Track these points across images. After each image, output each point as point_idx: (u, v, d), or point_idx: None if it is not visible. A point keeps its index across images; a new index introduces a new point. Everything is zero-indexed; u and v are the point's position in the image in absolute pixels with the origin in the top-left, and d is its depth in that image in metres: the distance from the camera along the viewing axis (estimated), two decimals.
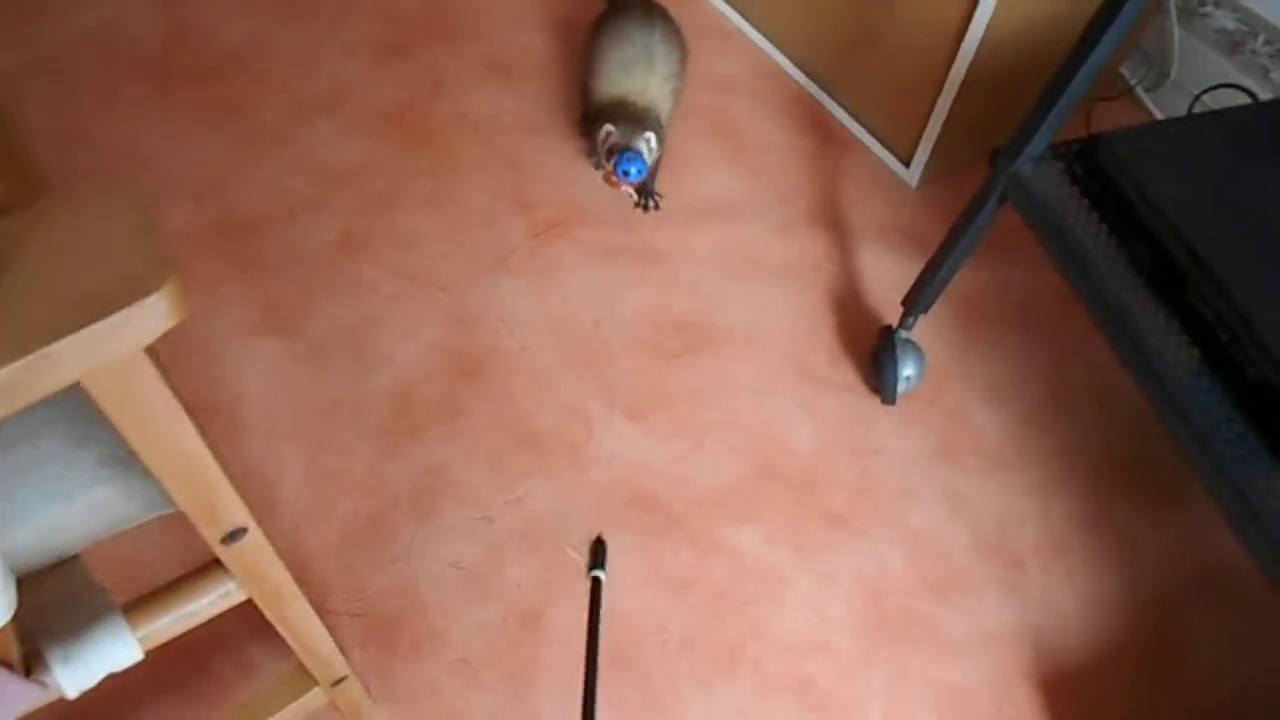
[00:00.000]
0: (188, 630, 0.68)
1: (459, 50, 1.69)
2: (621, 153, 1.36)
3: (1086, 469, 1.30)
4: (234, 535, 0.59)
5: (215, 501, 0.56)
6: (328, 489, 1.20)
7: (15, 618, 0.55)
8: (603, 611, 1.13)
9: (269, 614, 0.70)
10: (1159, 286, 0.97)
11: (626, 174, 1.36)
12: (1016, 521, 1.25)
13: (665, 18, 1.53)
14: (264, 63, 1.62)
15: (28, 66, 1.56)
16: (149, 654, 0.67)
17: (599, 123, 1.42)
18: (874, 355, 1.31)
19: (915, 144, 1.52)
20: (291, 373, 1.29)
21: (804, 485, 1.26)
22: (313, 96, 1.59)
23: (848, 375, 1.36)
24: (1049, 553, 1.23)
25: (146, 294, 0.41)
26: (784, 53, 1.71)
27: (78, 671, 0.62)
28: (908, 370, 1.28)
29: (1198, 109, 1.48)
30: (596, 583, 1.15)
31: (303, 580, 1.12)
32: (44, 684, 0.61)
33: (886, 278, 1.47)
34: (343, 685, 0.91)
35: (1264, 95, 1.51)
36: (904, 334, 1.28)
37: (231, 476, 0.57)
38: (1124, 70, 1.71)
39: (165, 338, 0.43)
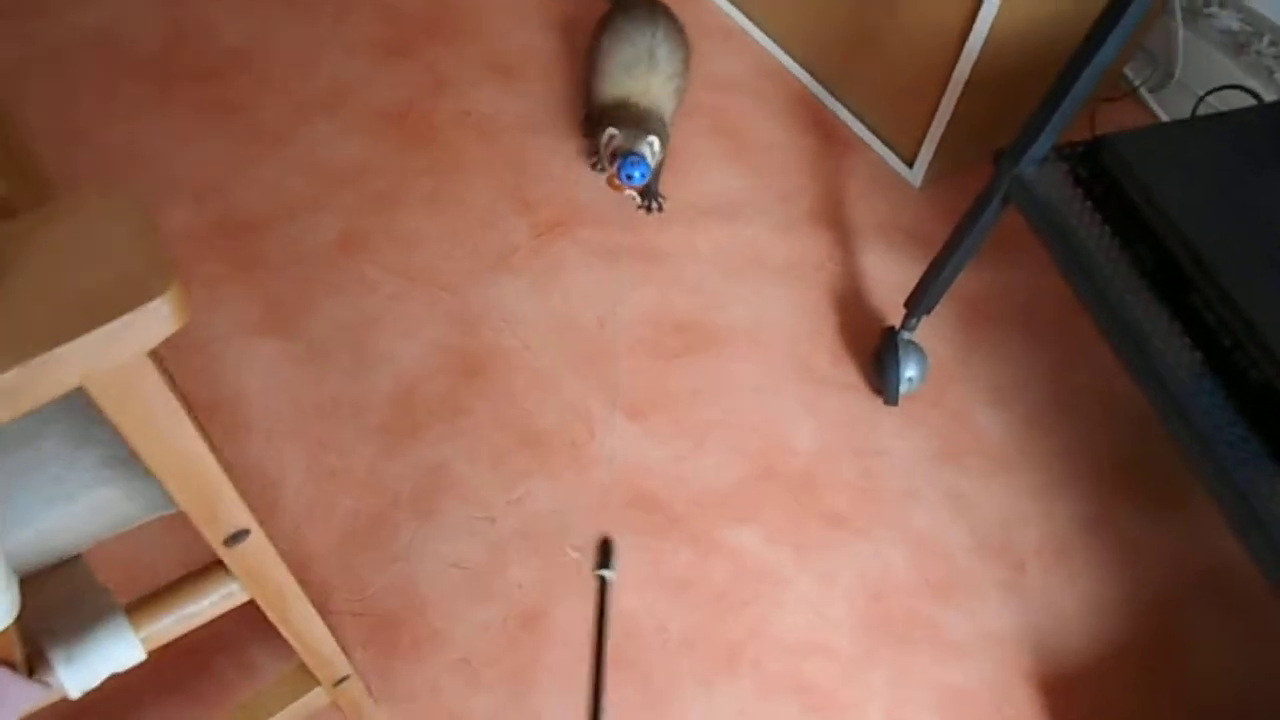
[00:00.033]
0: (190, 631, 0.68)
1: (460, 49, 1.69)
2: (625, 156, 1.36)
3: (1089, 470, 1.30)
4: (236, 537, 0.59)
5: (217, 503, 0.56)
6: (329, 488, 1.20)
7: (18, 618, 0.55)
8: (610, 611, 1.14)
9: (271, 615, 0.70)
10: (1162, 289, 0.97)
11: (630, 178, 1.36)
12: (1019, 523, 1.25)
13: (668, 16, 1.52)
14: (265, 62, 1.62)
15: (26, 65, 1.56)
16: (150, 654, 0.67)
17: (602, 125, 1.41)
18: (876, 356, 1.31)
19: (919, 143, 1.52)
20: (292, 372, 1.29)
21: (805, 485, 1.26)
22: (313, 96, 1.58)
23: (850, 375, 1.36)
24: (1051, 554, 1.23)
25: (149, 298, 0.41)
26: (787, 51, 1.71)
27: (80, 672, 0.62)
28: (910, 371, 1.28)
29: (1202, 110, 1.48)
30: (604, 583, 1.15)
31: (304, 579, 1.12)
32: (47, 684, 0.61)
33: (889, 277, 1.47)
34: (344, 685, 0.91)
35: (1268, 96, 1.50)
36: (906, 335, 1.28)
37: (233, 476, 0.57)
38: (1128, 71, 1.71)
39: (167, 337, 0.43)
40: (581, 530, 1.19)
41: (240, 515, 0.58)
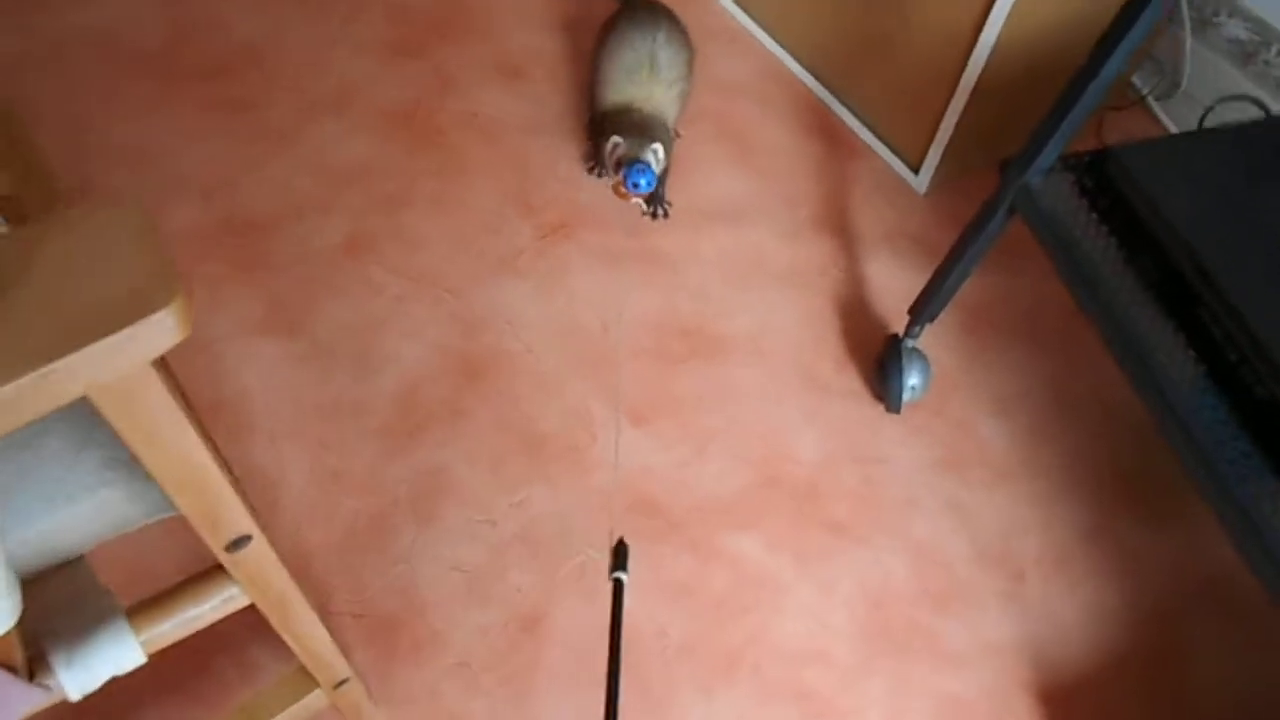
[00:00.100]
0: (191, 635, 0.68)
1: (468, 50, 1.69)
2: (631, 165, 1.36)
3: (1089, 480, 1.30)
4: (238, 543, 0.59)
5: (219, 510, 0.56)
6: (330, 489, 1.21)
7: (19, 620, 0.55)
8: (625, 613, 1.14)
9: (272, 619, 0.70)
10: (1167, 302, 0.97)
11: (636, 186, 1.36)
12: (1019, 532, 1.25)
13: (670, 20, 1.52)
14: (273, 60, 1.62)
15: (30, 61, 1.56)
16: (151, 655, 0.67)
17: (605, 131, 1.41)
18: (879, 363, 1.31)
19: (924, 150, 1.52)
20: (295, 372, 1.29)
21: (807, 493, 1.26)
22: (321, 95, 1.58)
23: (853, 382, 1.36)
24: (1051, 564, 1.23)
25: (154, 309, 0.41)
26: (793, 55, 1.71)
27: (81, 675, 0.62)
28: (913, 380, 1.28)
29: (1209, 120, 1.47)
30: (619, 584, 1.16)
31: (304, 579, 1.13)
32: (47, 687, 0.61)
33: (893, 284, 1.46)
34: (344, 687, 0.91)
35: (1276, 107, 1.50)
36: (910, 343, 1.27)
37: (235, 479, 0.57)
38: (1135, 79, 1.71)
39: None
40: (582, 535, 1.20)
41: (242, 521, 0.58)
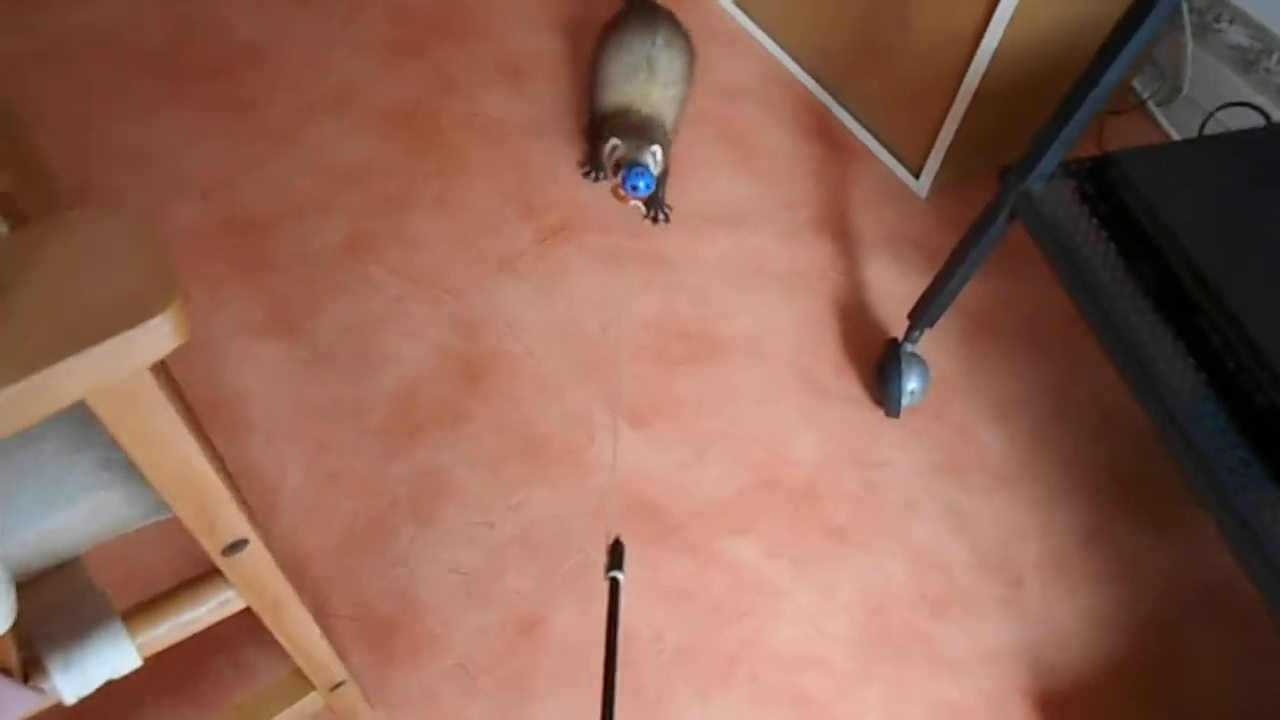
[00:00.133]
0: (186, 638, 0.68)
1: (469, 50, 1.69)
2: (629, 167, 1.36)
3: (1089, 485, 1.30)
4: (234, 547, 0.59)
5: (216, 514, 0.56)
6: (329, 490, 1.20)
7: (14, 623, 0.55)
8: (621, 615, 1.13)
9: (268, 623, 0.70)
10: (1167, 310, 0.96)
11: (635, 189, 1.36)
12: (1018, 538, 1.25)
13: (671, 23, 1.52)
14: (274, 59, 1.62)
15: (30, 60, 1.56)
16: (147, 657, 0.67)
17: (603, 133, 1.41)
18: (879, 368, 1.31)
19: (925, 154, 1.52)
20: (295, 372, 1.29)
21: (806, 497, 1.26)
22: (322, 95, 1.58)
23: (852, 386, 1.36)
24: (1049, 570, 1.23)
25: (151, 315, 0.41)
26: (794, 58, 1.71)
27: (76, 678, 0.62)
28: (912, 384, 1.27)
29: (1210, 126, 1.47)
30: (615, 584, 1.15)
31: (302, 580, 1.13)
32: (42, 690, 0.61)
33: (893, 288, 1.46)
34: (340, 690, 0.91)
35: (1277, 114, 1.50)
36: (909, 347, 1.27)
37: (233, 481, 0.57)
38: (1136, 84, 1.71)
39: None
40: (581, 537, 1.19)
41: (239, 526, 0.58)
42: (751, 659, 1.13)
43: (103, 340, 0.40)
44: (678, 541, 1.20)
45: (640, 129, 1.41)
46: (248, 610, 0.71)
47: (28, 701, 0.60)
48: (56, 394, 0.40)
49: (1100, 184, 1.03)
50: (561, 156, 1.56)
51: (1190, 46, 1.59)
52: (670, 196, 1.52)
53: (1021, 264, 1.47)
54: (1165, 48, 1.65)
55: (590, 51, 1.57)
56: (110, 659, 0.63)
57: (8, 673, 0.58)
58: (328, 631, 1.07)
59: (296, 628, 0.73)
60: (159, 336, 0.41)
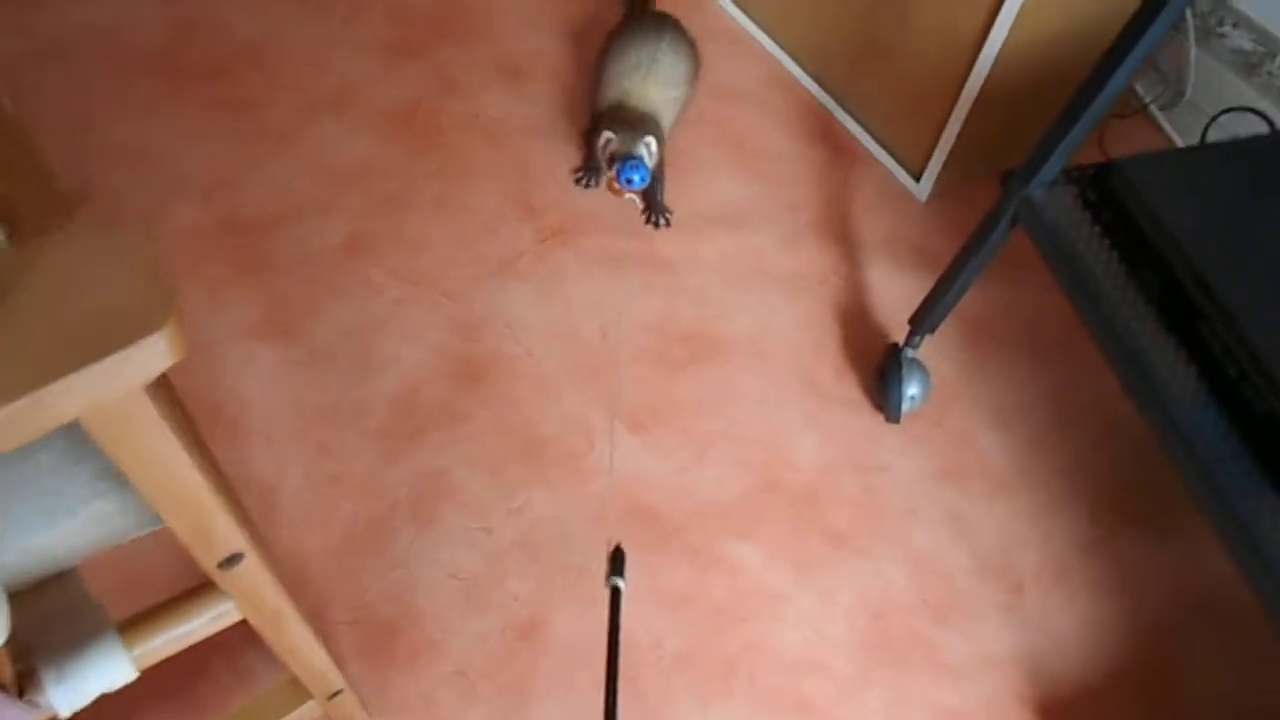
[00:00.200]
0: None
1: (470, 50, 1.68)
2: (624, 160, 1.35)
3: (1089, 492, 1.29)
4: (231, 560, 0.59)
5: (211, 529, 0.55)
6: (328, 492, 1.20)
7: (10, 635, 0.55)
8: (622, 621, 1.13)
9: (265, 634, 0.70)
10: (1169, 317, 0.96)
11: (630, 182, 1.35)
12: (1018, 544, 1.25)
13: (676, 29, 1.52)
14: (274, 59, 1.61)
15: (30, 59, 1.55)
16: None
17: (597, 131, 1.41)
18: (880, 373, 1.31)
19: (926, 158, 1.51)
20: (294, 374, 1.29)
21: (806, 501, 1.25)
22: (322, 95, 1.58)
23: (853, 390, 1.36)
24: (1050, 576, 1.23)
25: (146, 333, 0.40)
26: (796, 60, 1.70)
27: (71, 691, 0.62)
28: (912, 390, 1.27)
29: (1213, 130, 1.46)
30: (616, 591, 1.15)
31: (301, 584, 1.13)
32: (36, 704, 0.61)
33: (893, 292, 1.46)
34: (338, 698, 0.90)
35: (1279, 118, 1.49)
36: (910, 353, 1.27)
37: (230, 489, 0.57)
38: (1138, 88, 1.70)
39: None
40: (581, 542, 1.19)
41: (235, 539, 0.57)
42: (752, 664, 1.13)
43: (98, 359, 0.40)
44: (677, 546, 1.20)
45: (634, 122, 1.40)
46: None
47: (22, 716, 0.60)
48: (49, 415, 0.39)
49: (1103, 191, 1.03)
50: (562, 158, 1.55)
51: (1193, 50, 1.59)
52: (670, 198, 1.51)
53: (1023, 269, 1.46)
54: (1168, 52, 1.64)
55: (594, 55, 1.57)
56: (106, 672, 0.63)
57: (2, 687, 0.57)
58: (326, 637, 1.08)
59: (294, 640, 0.73)
60: (155, 354, 0.41)
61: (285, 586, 0.70)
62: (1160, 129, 1.68)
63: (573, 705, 1.08)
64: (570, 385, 1.32)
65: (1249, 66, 1.54)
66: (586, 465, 1.25)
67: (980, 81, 1.36)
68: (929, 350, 1.33)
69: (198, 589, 0.67)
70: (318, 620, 1.11)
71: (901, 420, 1.31)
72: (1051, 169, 1.02)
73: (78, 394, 0.40)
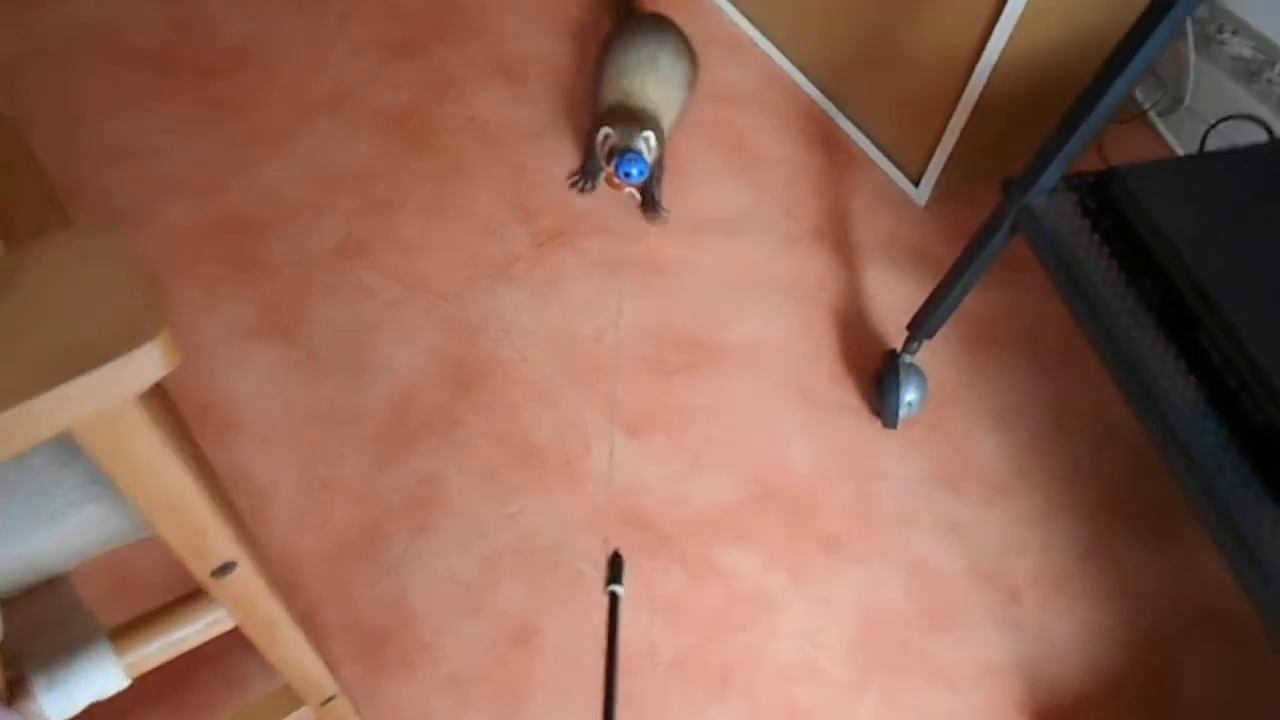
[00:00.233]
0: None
1: (466, 50, 1.67)
2: (622, 154, 1.35)
3: (1088, 499, 1.29)
4: (223, 569, 0.58)
5: (204, 538, 0.55)
6: (321, 497, 1.19)
7: (1, 642, 0.54)
8: (620, 626, 1.13)
9: (258, 643, 0.69)
10: (1169, 327, 0.96)
11: (629, 175, 1.35)
12: (1016, 551, 1.24)
13: (676, 33, 1.52)
14: (269, 59, 1.60)
15: (25, 57, 1.54)
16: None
17: (597, 129, 1.40)
18: (877, 379, 1.30)
19: (925, 163, 1.51)
20: (287, 377, 1.28)
21: (802, 508, 1.25)
22: (317, 95, 1.57)
23: (850, 396, 1.35)
24: (1048, 583, 1.22)
25: (138, 343, 0.39)
26: (795, 64, 1.69)
27: (62, 700, 0.61)
28: (910, 396, 1.27)
29: (1211, 137, 1.46)
30: (614, 598, 1.14)
31: (293, 589, 1.12)
32: (27, 713, 0.60)
33: (891, 297, 1.45)
34: (331, 704, 0.90)
35: (1278, 126, 1.49)
36: (908, 359, 1.26)
37: (223, 494, 0.56)
38: (1137, 93, 1.70)
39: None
40: (576, 547, 1.18)
41: (227, 548, 0.57)
42: (747, 671, 1.12)
43: (89, 369, 0.39)
44: (673, 552, 1.20)
45: (634, 118, 1.40)
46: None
47: None
48: (38, 426, 0.38)
49: (1103, 199, 1.03)
50: (559, 159, 1.55)
51: (1192, 57, 1.59)
52: (669, 202, 1.50)
53: (1023, 274, 1.46)
54: (1167, 58, 1.64)
55: (592, 55, 1.56)
56: (97, 680, 0.62)
57: None
58: (319, 642, 1.07)
59: (287, 647, 0.72)
60: (148, 365, 0.40)
61: (278, 591, 0.69)
62: (1158, 135, 1.67)
63: (567, 712, 1.08)
64: (566, 391, 1.31)
65: (1248, 74, 1.54)
66: (582, 470, 1.24)
67: (980, 87, 1.35)
68: (927, 354, 1.32)
69: (191, 596, 0.66)
70: (310, 625, 1.10)
71: (899, 426, 1.31)
72: (1051, 177, 1.01)
73: (68, 405, 0.39)
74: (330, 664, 0.94)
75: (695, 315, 1.40)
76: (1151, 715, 1.14)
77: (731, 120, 1.64)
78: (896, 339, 1.30)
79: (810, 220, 1.53)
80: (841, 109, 1.64)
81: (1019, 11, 1.24)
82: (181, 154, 1.46)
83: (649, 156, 1.37)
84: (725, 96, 1.67)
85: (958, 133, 1.42)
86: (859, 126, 1.62)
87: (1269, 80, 1.52)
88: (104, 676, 0.63)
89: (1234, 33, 1.54)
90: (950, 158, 1.46)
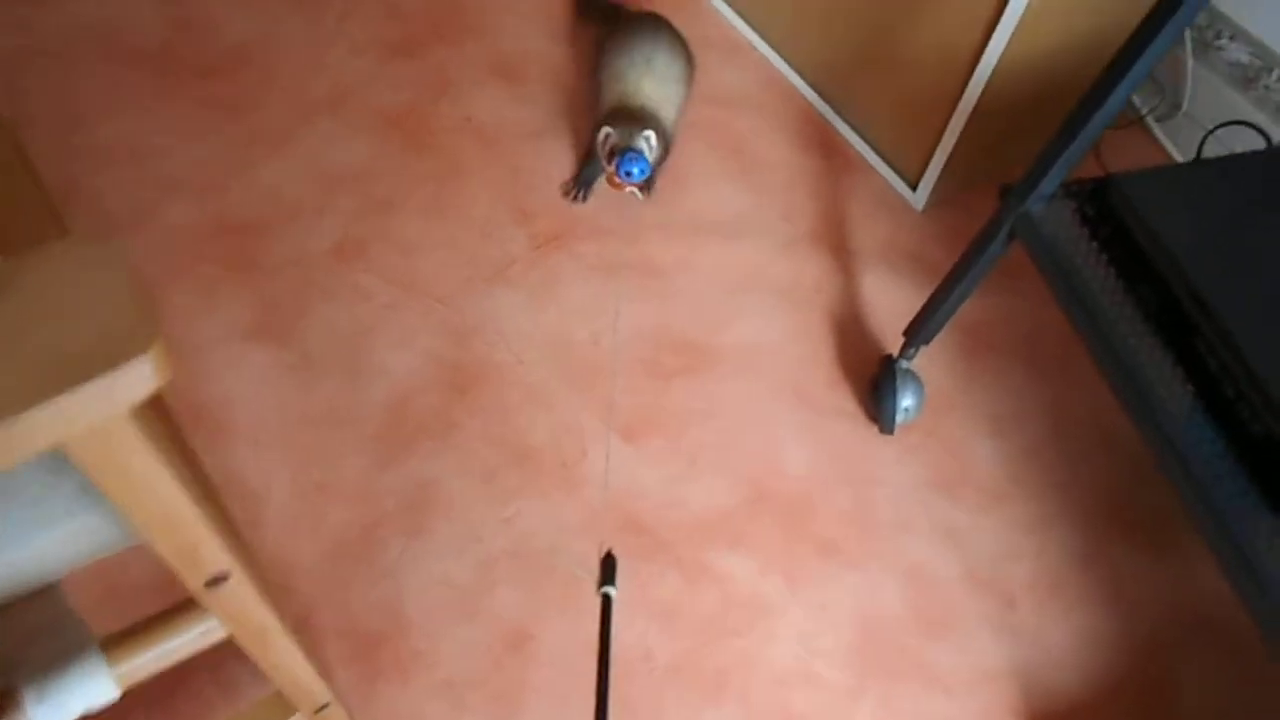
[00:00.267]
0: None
1: (465, 51, 1.67)
2: (623, 153, 1.34)
3: (1085, 505, 1.29)
4: (216, 581, 0.57)
5: (197, 549, 0.54)
6: (316, 500, 1.19)
7: None
8: (613, 628, 1.13)
9: (251, 653, 0.68)
10: (1167, 335, 0.96)
11: (629, 175, 1.35)
12: (1012, 557, 1.24)
13: (671, 32, 1.52)
14: (268, 59, 1.60)
15: (24, 56, 1.53)
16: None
17: (598, 129, 1.40)
18: (874, 384, 1.30)
19: (923, 167, 1.50)
20: (283, 378, 1.27)
21: (798, 513, 1.25)
22: (317, 95, 1.56)
23: (847, 401, 1.35)
24: (1044, 590, 1.22)
25: (130, 356, 0.39)
26: (793, 68, 1.69)
27: (53, 711, 0.61)
28: (907, 401, 1.26)
29: (1209, 143, 1.46)
30: (607, 599, 1.14)
31: (287, 593, 1.11)
32: None
33: (888, 301, 1.45)
34: (325, 712, 0.89)
35: (1276, 132, 1.49)
36: (904, 364, 1.26)
37: (217, 500, 0.55)
38: (1135, 99, 1.70)
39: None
40: (572, 551, 1.18)
41: (220, 560, 0.56)
42: (743, 676, 1.12)
43: (81, 383, 0.38)
44: (669, 556, 1.19)
45: (634, 118, 1.39)
46: None
47: None
48: (28, 441, 0.38)
49: (1101, 206, 1.02)
50: (557, 161, 1.54)
51: (1190, 63, 1.58)
52: (667, 205, 1.50)
53: (1020, 280, 1.46)
54: (1165, 64, 1.64)
55: (591, 56, 1.56)
56: (88, 691, 0.62)
57: None
58: (313, 647, 1.06)
59: (281, 656, 0.72)
60: (140, 379, 0.40)
61: (271, 596, 0.69)
62: (1156, 141, 1.67)
63: (562, 716, 1.07)
64: (562, 394, 1.31)
65: (1246, 80, 1.54)
66: (578, 474, 1.24)
67: (978, 92, 1.35)
68: (924, 359, 1.32)
69: (181, 606, 0.65)
70: (304, 630, 1.09)
71: (895, 431, 1.30)
72: (1050, 184, 1.01)
73: (59, 419, 0.38)
74: (324, 669, 0.94)
75: (692, 319, 1.40)
76: None
77: (729, 123, 1.64)
78: (893, 344, 1.30)
79: (808, 224, 1.53)
80: (840, 113, 1.64)
81: (1019, 15, 1.24)
82: (181, 154, 1.46)
83: (650, 155, 1.37)
84: (723, 100, 1.66)
85: (956, 137, 1.42)
86: (857, 130, 1.62)
87: (1266, 86, 1.51)
88: (95, 688, 0.62)
89: (1232, 39, 1.54)
90: (948, 162, 1.46)
